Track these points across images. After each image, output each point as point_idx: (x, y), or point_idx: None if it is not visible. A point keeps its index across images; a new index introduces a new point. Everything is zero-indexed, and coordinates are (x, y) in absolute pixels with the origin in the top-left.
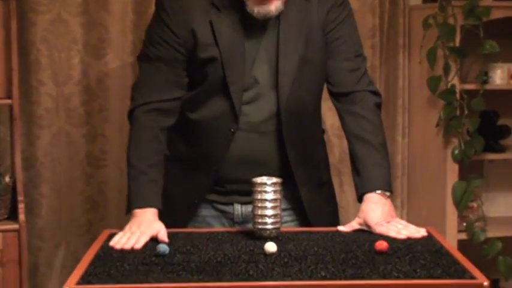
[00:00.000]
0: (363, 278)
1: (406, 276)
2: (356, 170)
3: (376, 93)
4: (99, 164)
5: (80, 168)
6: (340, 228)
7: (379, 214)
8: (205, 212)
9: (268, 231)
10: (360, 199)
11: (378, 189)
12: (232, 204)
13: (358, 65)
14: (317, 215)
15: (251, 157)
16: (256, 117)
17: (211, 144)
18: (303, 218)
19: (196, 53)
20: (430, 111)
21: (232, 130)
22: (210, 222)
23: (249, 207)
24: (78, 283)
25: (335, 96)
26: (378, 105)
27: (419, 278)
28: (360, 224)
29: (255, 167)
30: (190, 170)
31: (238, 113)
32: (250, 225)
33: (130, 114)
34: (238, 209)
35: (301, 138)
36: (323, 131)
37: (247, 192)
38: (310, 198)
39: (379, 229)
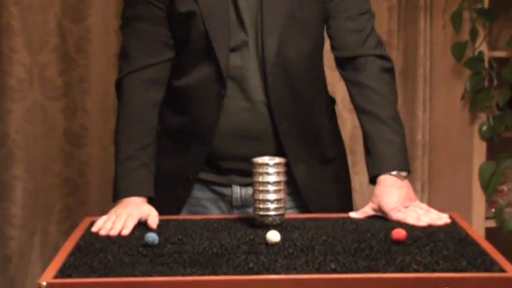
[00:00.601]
0: (377, 271)
1: (427, 269)
2: (366, 149)
3: (383, 57)
4: (79, 141)
5: (58, 146)
6: (352, 214)
7: (395, 199)
8: (201, 194)
9: (270, 218)
10: (372, 181)
11: (392, 170)
12: (230, 185)
13: (362, 25)
14: (317, 197)
15: (243, 129)
16: (248, 84)
17: (200, 112)
18: (303, 204)
19: (175, 7)
20: (454, 82)
21: (221, 93)
22: (206, 206)
23: (250, 190)
24: (56, 277)
25: (340, 64)
26: (387, 71)
27: (441, 270)
28: (374, 210)
29: (247, 141)
30: (181, 143)
31: (225, 74)
32: (250, 210)
33: (118, 86)
34: (237, 191)
35: (295, 107)
36: (332, 101)
37: (247, 173)
38: (308, 177)
39: (396, 215)
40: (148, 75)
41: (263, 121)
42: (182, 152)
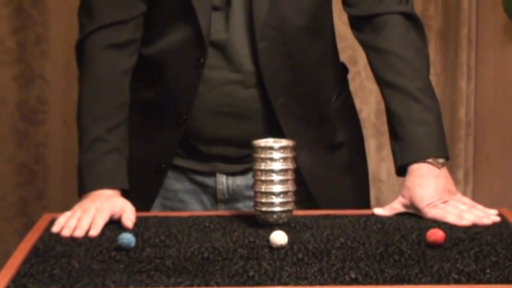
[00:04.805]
0: (409, 281)
1: (471, 279)
2: (392, 131)
3: (409, 15)
4: (37, 118)
5: (10, 123)
6: (377, 210)
7: (431, 191)
8: (178, 185)
9: (275, 216)
10: (400, 172)
11: (427, 157)
12: (214, 175)
13: None
14: (325, 191)
15: (227, 105)
16: (233, 51)
17: (175, 84)
18: (310, 198)
19: None
20: (506, 44)
21: (201, 61)
22: (185, 200)
23: (238, 180)
24: (8, 287)
25: (355, 24)
26: (414, 31)
27: (489, 281)
28: (405, 206)
29: (233, 120)
30: (153, 121)
31: (206, 37)
32: (240, 205)
33: (79, 49)
34: (223, 181)
35: (293, 79)
36: (343, 70)
37: (234, 159)
38: (313, 167)
39: (433, 212)
40: (116, 38)
41: (253, 96)
42: (153, 133)
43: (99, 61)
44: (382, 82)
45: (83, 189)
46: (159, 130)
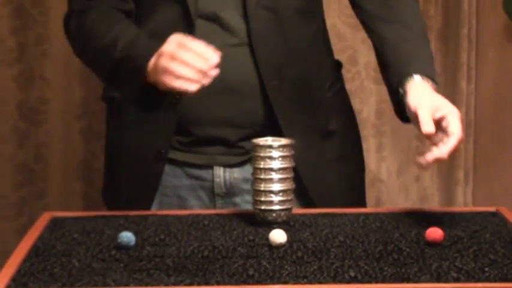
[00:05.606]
0: (408, 279)
1: (470, 278)
2: (384, 60)
3: None
4: (37, 118)
5: (10, 123)
6: (420, 160)
7: (424, 94)
8: (176, 181)
9: (274, 214)
10: (402, 117)
11: (418, 73)
12: (211, 167)
13: None
14: (316, 178)
15: (219, 80)
16: (223, 24)
17: None
18: (305, 195)
19: None
20: (506, 45)
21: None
22: (182, 196)
23: (235, 173)
24: (9, 286)
25: (356, 3)
26: (419, 15)
27: (488, 280)
28: (415, 121)
29: (227, 98)
30: (144, 109)
31: (193, 14)
32: (238, 200)
33: (67, 22)
34: (220, 174)
35: (287, 60)
36: (337, 64)
37: (232, 142)
38: (304, 152)
39: (440, 114)
40: (108, 5)
41: (246, 70)
42: (147, 120)
43: (91, 12)
44: (378, 19)
45: (140, 73)
46: (152, 117)
